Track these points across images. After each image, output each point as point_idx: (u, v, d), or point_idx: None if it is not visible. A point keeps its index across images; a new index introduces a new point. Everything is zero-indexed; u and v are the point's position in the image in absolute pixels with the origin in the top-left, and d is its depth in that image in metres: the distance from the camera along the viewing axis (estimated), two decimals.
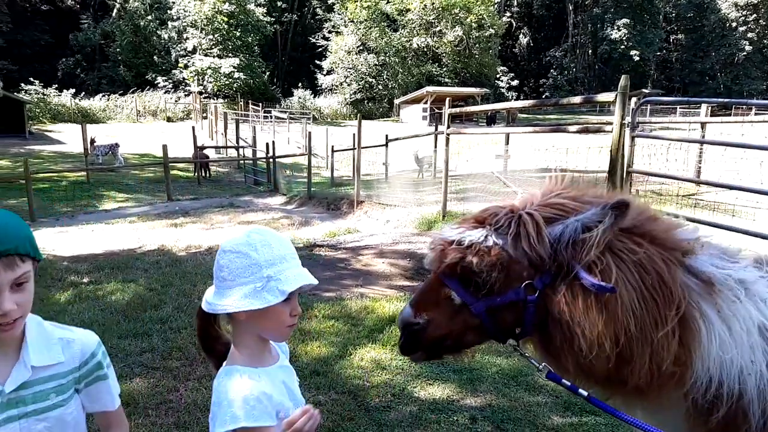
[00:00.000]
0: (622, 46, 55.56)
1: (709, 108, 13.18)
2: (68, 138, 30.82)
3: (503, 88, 57.65)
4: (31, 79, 39.55)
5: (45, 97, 39.55)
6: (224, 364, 1.53)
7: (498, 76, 57.22)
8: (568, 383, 1.50)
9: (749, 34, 56.57)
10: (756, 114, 26.94)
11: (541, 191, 1.59)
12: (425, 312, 1.56)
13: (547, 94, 57.97)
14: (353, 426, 3.47)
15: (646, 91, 51.85)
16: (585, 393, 1.50)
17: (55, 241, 10.35)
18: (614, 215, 1.39)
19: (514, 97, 55.49)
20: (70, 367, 1.48)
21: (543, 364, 1.55)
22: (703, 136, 11.47)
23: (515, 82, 58.97)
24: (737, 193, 7.97)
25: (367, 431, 3.42)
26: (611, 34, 56.13)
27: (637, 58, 55.66)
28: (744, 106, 33.08)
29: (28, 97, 36.21)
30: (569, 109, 45.81)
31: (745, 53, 56.57)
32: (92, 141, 22.33)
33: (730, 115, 31.33)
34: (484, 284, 1.49)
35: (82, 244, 10.00)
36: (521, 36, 66.24)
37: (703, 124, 12.06)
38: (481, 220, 1.55)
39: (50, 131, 35.00)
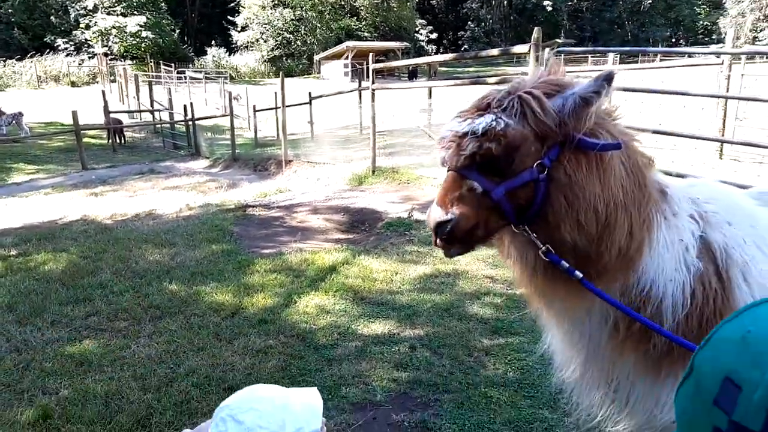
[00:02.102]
0: None
1: (618, 57, 13.94)
2: None
3: (423, 41, 57.71)
4: None
5: None
6: None
7: (417, 29, 57.16)
8: (566, 265, 1.58)
9: None
10: (661, 60, 28.51)
11: (530, 77, 1.66)
12: (454, 207, 1.60)
13: (465, 46, 58.60)
14: (303, 363, 3.75)
15: (560, 41, 53.40)
16: (580, 275, 1.58)
17: None
18: (607, 86, 1.49)
19: (434, 51, 55.78)
20: None
21: (546, 246, 1.61)
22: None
23: (434, 35, 59.15)
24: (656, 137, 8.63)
25: (316, 367, 3.72)
26: None
27: (550, 9, 57.04)
28: (650, 54, 34.87)
29: None
30: (488, 62, 46.58)
31: (650, 1, 59.13)
32: (1, 112, 20.86)
33: (637, 62, 32.98)
34: (503, 168, 1.56)
35: None
36: None
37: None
38: (484, 107, 1.59)
39: None
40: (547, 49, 7.92)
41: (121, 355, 3.93)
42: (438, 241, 1.66)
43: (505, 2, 61.75)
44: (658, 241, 1.60)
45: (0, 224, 8.88)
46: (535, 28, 6.62)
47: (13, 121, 21.06)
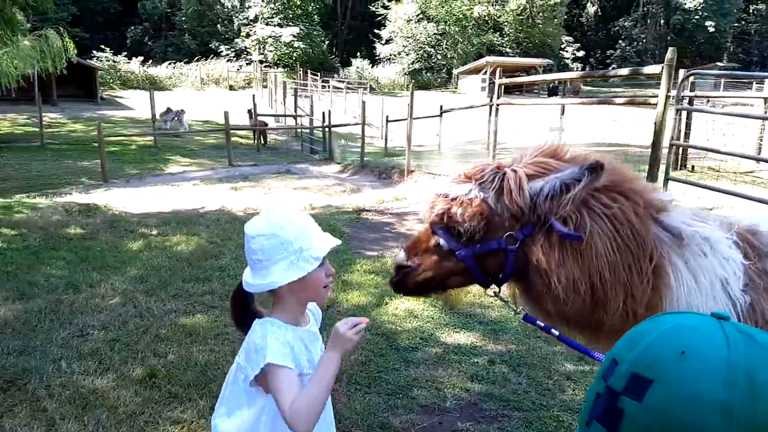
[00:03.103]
0: (697, 17, 52.75)
1: None
2: (136, 104, 32.31)
3: (568, 59, 55.89)
4: (102, 47, 41.35)
5: (115, 64, 41.36)
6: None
7: (563, 46, 55.49)
8: (542, 324, 1.67)
9: None
10: None
11: (530, 151, 1.73)
12: (416, 257, 1.75)
13: (614, 66, 55.90)
14: (383, 361, 3.91)
15: (721, 64, 49.24)
16: (557, 333, 1.67)
17: (126, 199, 11.20)
18: (590, 174, 1.52)
19: (579, 69, 53.78)
20: None
21: (520, 307, 1.76)
22: (766, 112, 11.15)
23: (581, 53, 57.00)
24: None
25: (394, 366, 3.85)
26: (685, 4, 53.32)
27: (712, 30, 52.77)
28: None
29: (100, 64, 37.90)
30: (639, 82, 44.03)
31: None
32: (169, 110, 23.46)
33: None
34: (467, 233, 1.65)
35: (150, 202, 10.80)
36: (589, 4, 63.81)
37: (766, 99, 11.71)
38: (469, 177, 1.69)
39: (120, 97, 36.73)
40: (681, 71, 7.47)
41: (224, 331, 4.34)
42: (394, 279, 1.80)
43: (662, 21, 58.09)
44: (679, 287, 1.55)
45: (151, 208, 10.05)
46: (670, 48, 6.27)
47: (176, 118, 23.55)
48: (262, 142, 22.16)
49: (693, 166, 11.19)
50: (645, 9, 59.16)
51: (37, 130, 20.79)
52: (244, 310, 1.77)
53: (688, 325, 0.74)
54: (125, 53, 43.02)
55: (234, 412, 1.74)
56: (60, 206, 8.65)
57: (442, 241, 1.70)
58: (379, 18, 51.41)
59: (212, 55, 46.91)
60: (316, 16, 50.21)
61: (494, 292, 1.81)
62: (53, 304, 4.82)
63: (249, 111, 22.92)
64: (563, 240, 1.55)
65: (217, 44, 48.82)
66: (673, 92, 6.48)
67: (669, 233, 1.58)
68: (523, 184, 1.58)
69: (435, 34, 49.06)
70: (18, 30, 12.19)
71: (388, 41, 50.39)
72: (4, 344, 4.06)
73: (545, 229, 1.57)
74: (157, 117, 22.42)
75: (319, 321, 1.91)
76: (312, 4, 49.31)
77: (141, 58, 43.24)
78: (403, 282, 1.78)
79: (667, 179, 6.95)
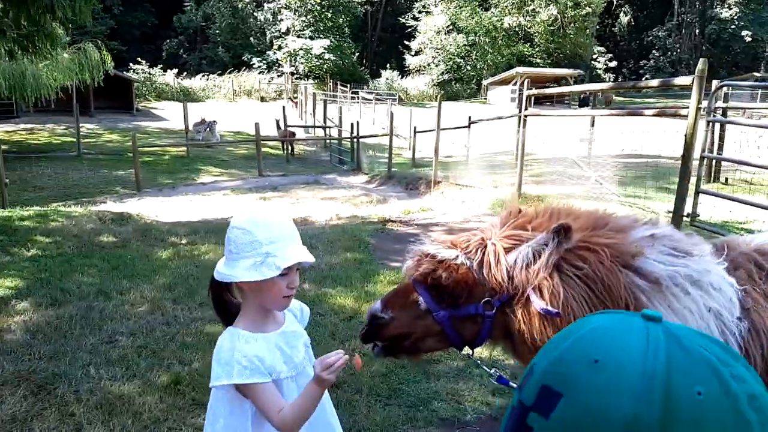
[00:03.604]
0: (733, 26, 51.67)
1: None
2: (170, 115, 33.03)
3: (600, 69, 55.26)
4: (139, 59, 42.52)
5: (151, 76, 42.44)
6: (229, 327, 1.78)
7: (594, 56, 54.92)
8: (514, 385, 1.62)
9: None
10: None
11: (499, 220, 1.77)
12: (392, 310, 1.75)
13: (647, 76, 55.02)
14: (404, 373, 3.91)
15: (758, 74, 48.05)
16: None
17: (158, 208, 11.46)
18: (557, 239, 1.55)
19: (611, 79, 53.08)
20: None
21: (493, 369, 1.78)
22: None
23: (613, 63, 56.34)
24: None
25: (415, 378, 3.85)
26: (721, 13, 52.32)
27: (749, 39, 51.58)
28: None
29: (136, 76, 38.94)
30: (674, 93, 43.17)
31: None
32: (203, 120, 23.97)
33: None
34: (449, 296, 1.68)
35: (181, 211, 11.04)
36: (622, 14, 63.06)
37: None
38: (455, 244, 1.73)
39: (155, 108, 37.62)
40: (714, 82, 7.33)
41: None
42: (364, 328, 1.79)
43: (697, 31, 57.04)
44: None
45: (181, 217, 10.26)
46: (701, 60, 6.16)
47: (208, 129, 24.01)
48: (290, 151, 22.43)
49: (726, 179, 10.93)
50: (679, 19, 58.20)
51: (75, 140, 21.43)
52: (220, 300, 1.83)
53: (608, 327, 0.65)
54: (161, 66, 44.15)
55: (217, 417, 1.77)
56: (94, 215, 8.88)
57: (421, 300, 1.71)
58: (409, 30, 51.71)
59: (244, 67, 47.80)
60: (346, 29, 50.78)
61: (468, 354, 1.84)
62: (84, 310, 4.95)
63: (277, 121, 23.26)
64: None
65: (249, 56, 49.74)
66: (705, 103, 6.36)
67: (646, 280, 1.54)
68: (501, 258, 1.63)
69: (465, 45, 49.10)
70: (58, 44, 12.61)
71: (417, 53, 50.62)
72: (35, 349, 4.18)
73: (524, 299, 1.60)
74: (191, 128, 22.90)
75: (305, 318, 1.96)
76: (343, 17, 49.91)
77: (176, 71, 44.32)
78: (375, 333, 1.77)
79: (697, 192, 6.81)
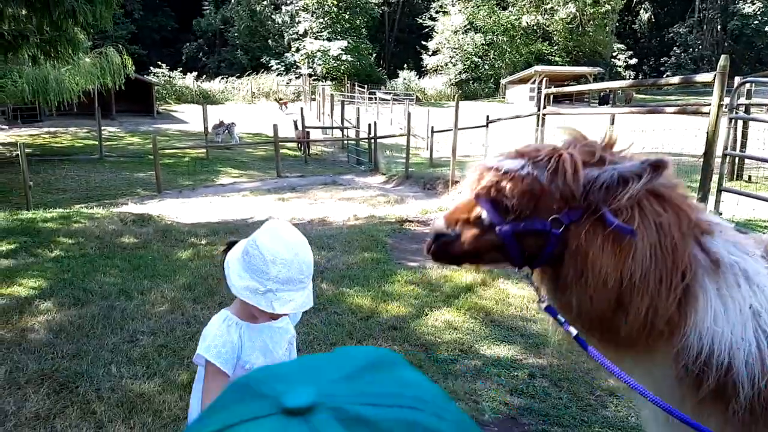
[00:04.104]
0: (756, 21, 50.73)
1: None
2: (190, 117, 33.36)
3: (620, 67, 54.61)
4: (159, 63, 43.07)
5: (171, 79, 42.95)
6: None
7: (614, 54, 54.30)
8: (562, 319, 1.60)
9: None
10: None
11: (564, 142, 1.67)
12: (455, 226, 1.68)
13: (668, 73, 54.25)
14: (422, 372, 3.89)
15: None
16: (574, 332, 1.59)
17: (178, 209, 11.58)
18: (652, 172, 1.47)
19: (631, 77, 52.45)
20: None
21: (546, 297, 1.67)
22: None
23: (633, 61, 55.64)
24: None
25: (433, 377, 3.83)
26: (743, 8, 51.39)
27: None
28: None
29: (156, 80, 39.39)
30: (695, 90, 42.53)
31: None
32: (221, 123, 24.21)
33: None
34: (513, 209, 1.59)
35: (201, 213, 11.14)
36: (642, 11, 62.30)
37: None
38: (522, 153, 1.64)
39: (175, 111, 38.04)
40: (737, 78, 7.20)
41: None
42: (432, 247, 1.74)
43: (719, 27, 56.09)
44: (706, 311, 1.50)
45: (201, 218, 10.35)
46: (722, 56, 6.06)
47: (227, 131, 24.21)
48: (307, 152, 22.52)
49: (750, 177, 10.74)
50: (701, 15, 57.31)
51: (97, 143, 21.76)
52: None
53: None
54: (180, 69, 44.72)
55: (197, 387, 1.95)
56: (116, 216, 9.01)
57: (484, 214, 1.64)
58: (426, 30, 51.59)
59: (263, 70, 48.13)
60: (364, 30, 50.86)
61: (526, 274, 1.75)
62: (106, 310, 5.03)
63: (294, 122, 23.35)
64: (608, 232, 1.51)
65: (267, 59, 50.09)
66: (727, 100, 6.25)
67: (708, 257, 1.52)
68: (579, 169, 1.54)
69: (482, 44, 48.84)
70: (80, 48, 12.83)
71: (434, 52, 50.49)
72: (58, 348, 4.25)
73: (592, 218, 1.53)
74: (210, 130, 23.10)
75: (296, 317, 2.01)
76: (360, 18, 50.01)
77: (195, 74, 44.83)
78: (441, 251, 1.73)
79: (720, 190, 6.70)
